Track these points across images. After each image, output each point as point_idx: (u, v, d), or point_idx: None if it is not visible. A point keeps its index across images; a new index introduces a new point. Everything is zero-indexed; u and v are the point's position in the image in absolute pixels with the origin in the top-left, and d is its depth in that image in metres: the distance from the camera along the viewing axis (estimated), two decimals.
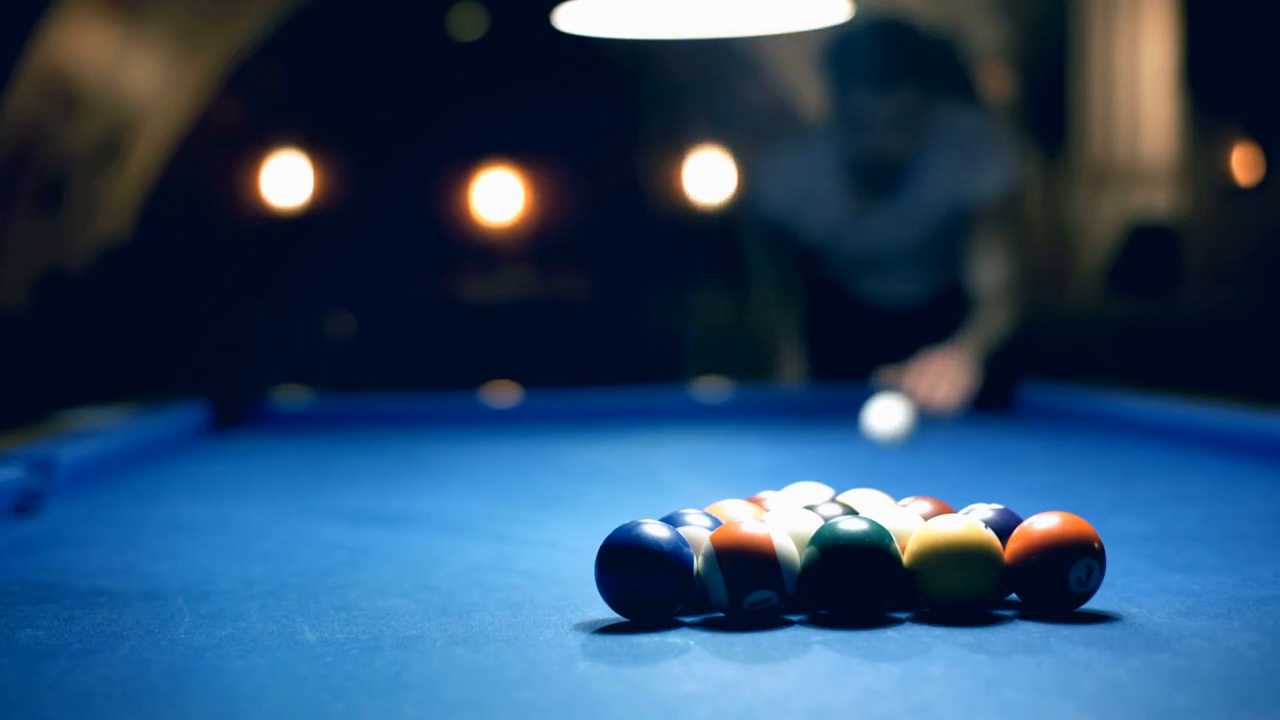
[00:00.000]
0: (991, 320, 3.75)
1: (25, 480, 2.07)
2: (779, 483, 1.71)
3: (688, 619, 1.32)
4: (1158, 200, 8.45)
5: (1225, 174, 7.44)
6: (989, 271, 3.80)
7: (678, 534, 1.32)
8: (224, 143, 9.37)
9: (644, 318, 8.46)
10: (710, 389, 3.79)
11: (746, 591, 1.29)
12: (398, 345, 8.55)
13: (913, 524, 1.37)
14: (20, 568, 1.69)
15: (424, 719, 1.05)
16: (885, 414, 2.93)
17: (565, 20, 3.02)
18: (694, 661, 1.19)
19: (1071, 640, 1.23)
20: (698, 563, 1.33)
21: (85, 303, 8.17)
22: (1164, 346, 6.40)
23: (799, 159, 3.92)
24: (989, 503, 1.42)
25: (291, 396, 3.61)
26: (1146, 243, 8.12)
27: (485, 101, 8.87)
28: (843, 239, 3.90)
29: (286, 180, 9.09)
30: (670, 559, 1.30)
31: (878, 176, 3.79)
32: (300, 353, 8.39)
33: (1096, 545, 1.31)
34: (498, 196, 9.95)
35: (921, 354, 3.52)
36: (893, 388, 3.38)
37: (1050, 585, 1.31)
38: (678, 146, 9.20)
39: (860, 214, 3.85)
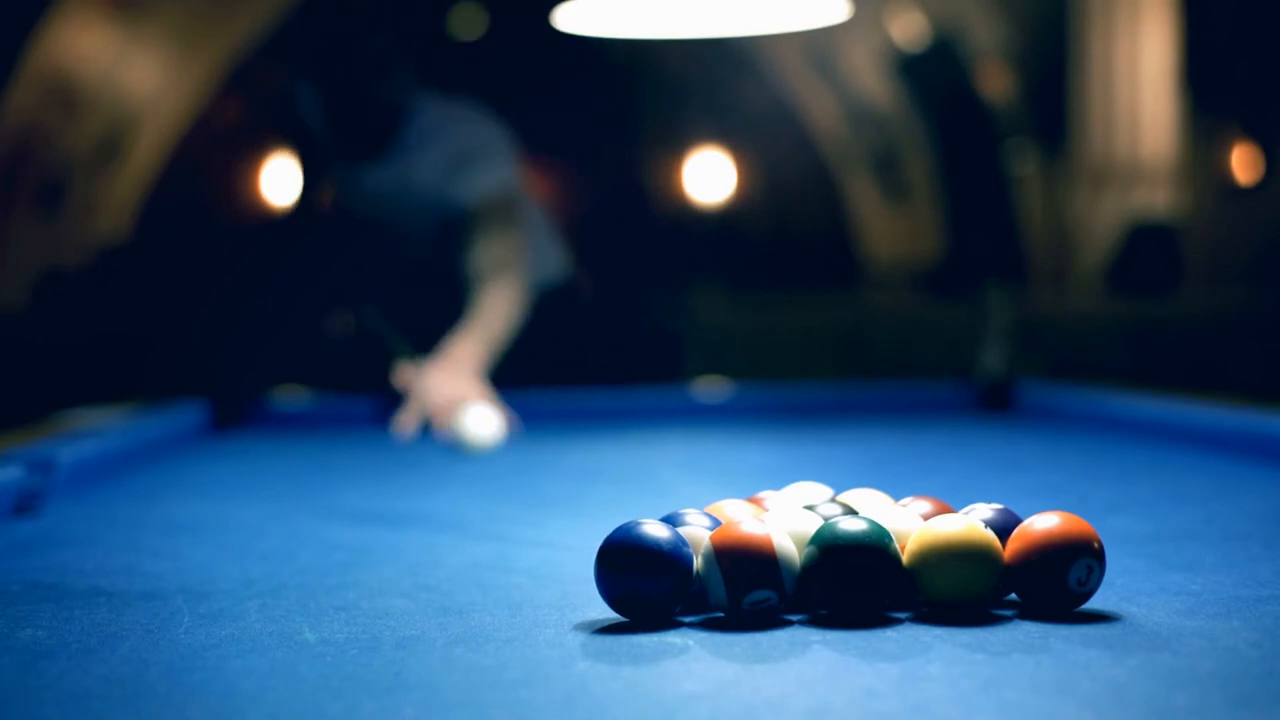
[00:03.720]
0: (493, 311, 3.31)
1: (25, 480, 2.07)
2: (778, 483, 1.71)
3: (687, 619, 1.32)
4: (1158, 200, 8.45)
5: (1225, 174, 7.44)
6: (485, 256, 3.42)
7: (677, 534, 1.32)
8: (224, 143, 9.38)
9: (644, 317, 8.47)
10: (710, 389, 3.79)
11: (746, 591, 1.29)
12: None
13: (912, 524, 1.37)
14: (20, 568, 1.69)
15: (423, 719, 1.05)
16: (482, 420, 2.87)
17: (565, 20, 3.02)
18: (694, 661, 1.19)
19: (1071, 640, 1.23)
20: (697, 562, 1.33)
21: (85, 303, 8.18)
22: (1164, 346, 6.40)
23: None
24: (989, 502, 1.42)
25: (291, 396, 3.61)
26: (1146, 243, 8.12)
27: (485, 101, 8.88)
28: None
29: (286, 180, 9.08)
30: (670, 559, 1.30)
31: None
32: (300, 353, 8.39)
33: (1096, 545, 1.31)
34: None
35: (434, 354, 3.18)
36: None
37: (1050, 585, 1.31)
38: (678, 146, 9.19)
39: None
